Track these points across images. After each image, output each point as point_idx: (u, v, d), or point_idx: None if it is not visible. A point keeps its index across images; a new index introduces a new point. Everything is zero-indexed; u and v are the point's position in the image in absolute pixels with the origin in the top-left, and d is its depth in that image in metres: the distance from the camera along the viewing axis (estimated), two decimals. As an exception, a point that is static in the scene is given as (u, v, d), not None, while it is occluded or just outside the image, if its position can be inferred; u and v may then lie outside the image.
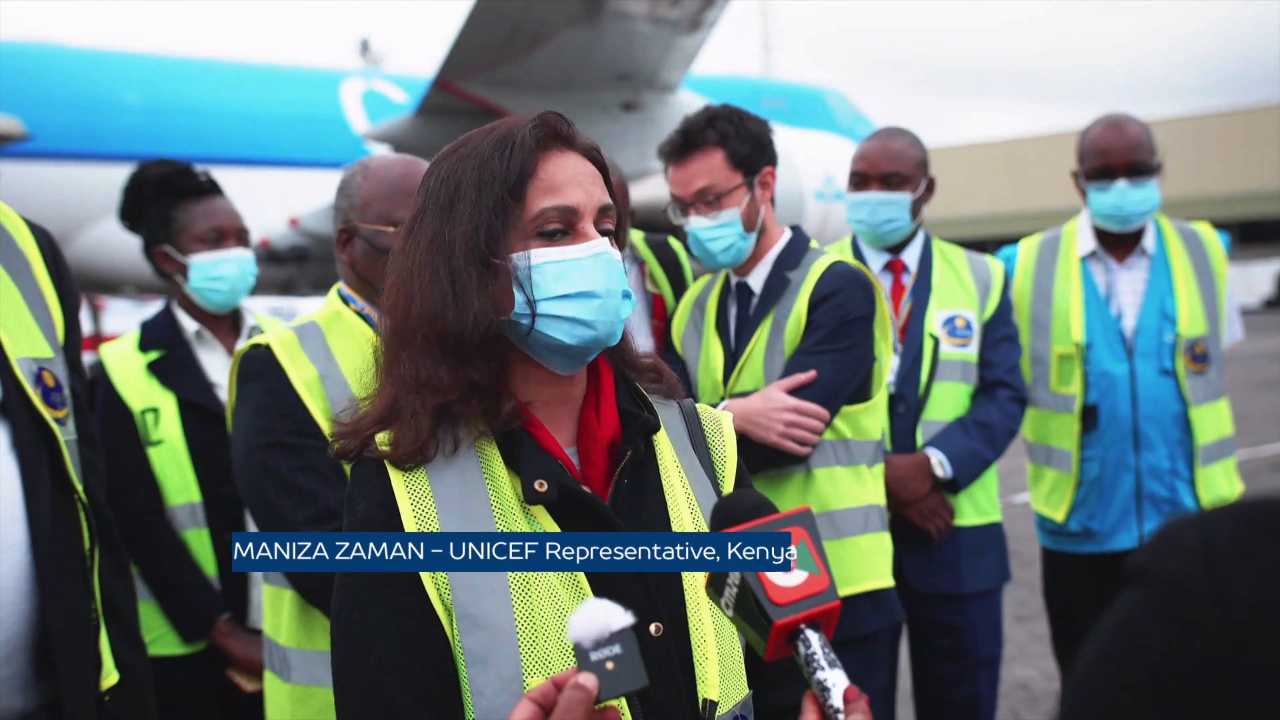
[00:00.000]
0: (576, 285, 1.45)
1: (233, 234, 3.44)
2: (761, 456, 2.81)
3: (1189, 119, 41.95)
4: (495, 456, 1.46)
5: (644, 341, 3.31)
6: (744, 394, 2.93)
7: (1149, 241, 3.83)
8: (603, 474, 1.50)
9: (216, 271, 3.38)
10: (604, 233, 1.50)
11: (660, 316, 3.37)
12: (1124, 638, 0.76)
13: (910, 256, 3.63)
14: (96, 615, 2.00)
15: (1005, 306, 3.61)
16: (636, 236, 3.33)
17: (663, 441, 1.58)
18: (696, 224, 3.00)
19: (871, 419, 2.98)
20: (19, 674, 1.83)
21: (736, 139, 2.96)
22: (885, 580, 2.95)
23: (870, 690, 2.91)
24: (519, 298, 1.45)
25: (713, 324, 3.12)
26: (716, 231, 2.99)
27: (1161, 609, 0.74)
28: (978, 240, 27.03)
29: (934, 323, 3.50)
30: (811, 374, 2.81)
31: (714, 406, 2.93)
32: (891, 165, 3.56)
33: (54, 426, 1.90)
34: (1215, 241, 3.87)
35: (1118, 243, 3.85)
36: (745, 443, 2.81)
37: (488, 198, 1.44)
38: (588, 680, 1.07)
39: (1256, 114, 40.99)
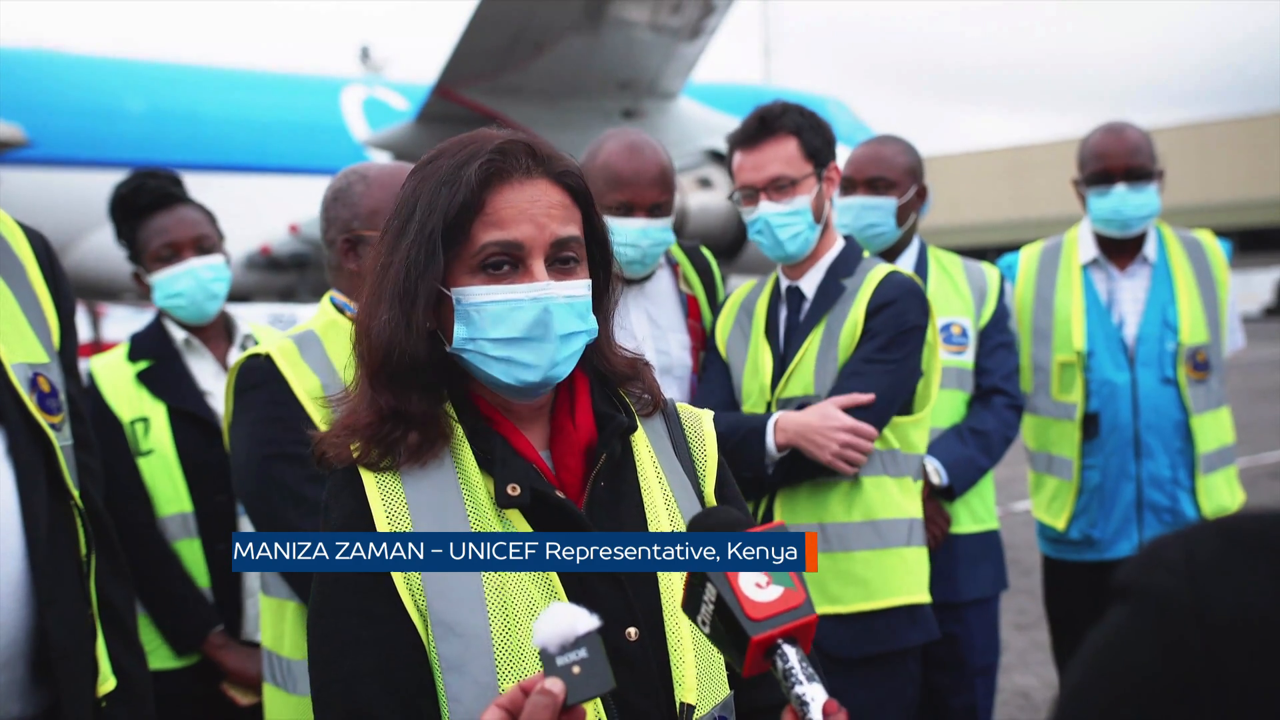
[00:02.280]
0: (513, 329, 1.43)
1: (188, 244, 3.33)
2: (810, 469, 2.82)
3: (1191, 126, 41.96)
4: (469, 459, 1.46)
5: (681, 339, 3.29)
6: (792, 399, 2.93)
7: (1150, 249, 3.83)
8: (578, 478, 1.50)
9: (173, 288, 3.29)
10: (564, 262, 1.47)
11: (695, 316, 3.37)
12: (1112, 654, 0.77)
13: (905, 263, 3.61)
14: (94, 621, 1.99)
15: (1001, 313, 3.60)
16: None
17: (640, 442, 1.57)
18: (767, 209, 2.96)
19: (919, 433, 2.98)
20: (16, 681, 1.83)
21: (810, 130, 2.95)
22: (924, 595, 2.92)
23: (899, 705, 2.90)
24: (458, 331, 1.45)
25: (762, 328, 3.08)
26: (788, 218, 2.95)
27: (1147, 626, 0.75)
28: (978, 248, 27.00)
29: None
30: (870, 397, 2.80)
31: (762, 413, 2.94)
32: (877, 170, 3.56)
33: (49, 432, 1.90)
34: (1217, 249, 3.86)
35: (1119, 250, 3.84)
36: (794, 454, 2.82)
37: (429, 227, 1.42)
38: (554, 685, 1.08)
39: (1258, 122, 40.97)
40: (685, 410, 1.68)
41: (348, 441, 1.47)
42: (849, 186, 3.58)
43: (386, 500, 1.43)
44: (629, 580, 1.45)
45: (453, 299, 1.44)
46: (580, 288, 1.49)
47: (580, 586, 1.42)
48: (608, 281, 1.58)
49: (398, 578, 1.39)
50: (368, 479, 1.45)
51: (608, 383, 1.59)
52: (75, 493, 1.96)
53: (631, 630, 1.43)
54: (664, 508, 1.52)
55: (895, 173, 3.56)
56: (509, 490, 1.42)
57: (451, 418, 1.49)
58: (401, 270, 1.43)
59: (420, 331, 1.43)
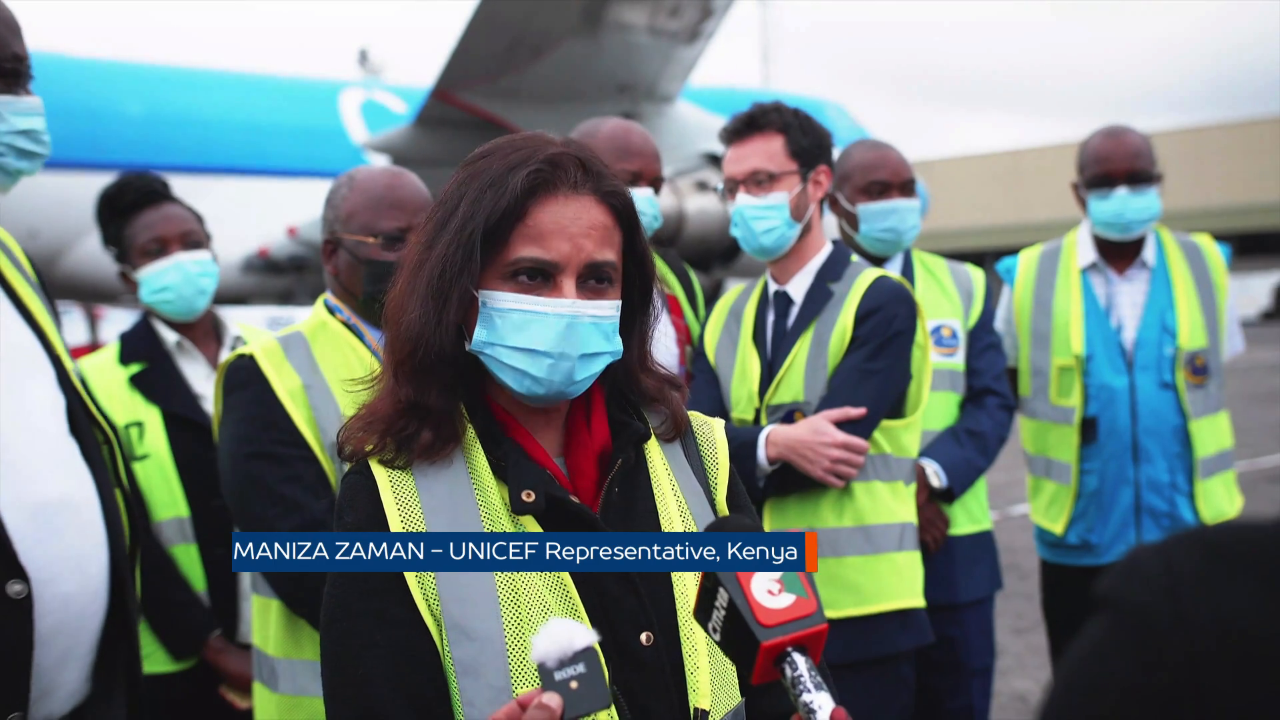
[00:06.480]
0: (531, 341, 1.43)
1: (176, 239, 3.33)
2: (801, 482, 2.82)
3: (1188, 131, 42.01)
4: (483, 464, 1.46)
5: (666, 329, 3.28)
6: (781, 405, 2.93)
7: (1149, 253, 3.83)
8: (593, 483, 1.50)
9: (161, 282, 3.28)
10: (597, 282, 1.46)
11: (678, 313, 3.38)
12: (1091, 666, 0.77)
13: (893, 268, 3.62)
14: (138, 607, 2.11)
15: (988, 314, 3.62)
16: None
17: (653, 449, 1.57)
18: (743, 201, 2.98)
19: (910, 436, 2.98)
20: (89, 666, 1.94)
21: (798, 129, 2.97)
22: (917, 600, 2.92)
23: (893, 710, 2.90)
24: (478, 333, 1.45)
25: (749, 334, 3.09)
26: (762, 211, 2.96)
27: (1126, 639, 0.75)
28: (974, 252, 27.03)
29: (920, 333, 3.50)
30: (861, 411, 2.80)
31: (752, 423, 2.95)
32: (909, 173, 3.60)
33: (109, 431, 1.97)
34: (1216, 254, 3.86)
35: (1118, 254, 3.84)
36: (785, 467, 2.82)
37: (469, 230, 1.43)
38: (552, 700, 1.09)
39: (1256, 126, 41.02)
40: (697, 418, 1.68)
41: (365, 435, 1.48)
42: (884, 191, 3.57)
43: (401, 501, 1.43)
44: (644, 585, 1.45)
45: (479, 300, 1.45)
46: (608, 308, 1.48)
47: (595, 591, 1.42)
48: (644, 302, 1.57)
49: (411, 582, 1.39)
50: (380, 477, 1.45)
51: (620, 388, 1.58)
52: (127, 486, 2.06)
53: (646, 635, 1.43)
54: (678, 515, 1.52)
55: (912, 175, 3.62)
56: (524, 496, 1.42)
57: (465, 418, 1.49)
58: (438, 267, 1.43)
59: (449, 329, 1.44)
